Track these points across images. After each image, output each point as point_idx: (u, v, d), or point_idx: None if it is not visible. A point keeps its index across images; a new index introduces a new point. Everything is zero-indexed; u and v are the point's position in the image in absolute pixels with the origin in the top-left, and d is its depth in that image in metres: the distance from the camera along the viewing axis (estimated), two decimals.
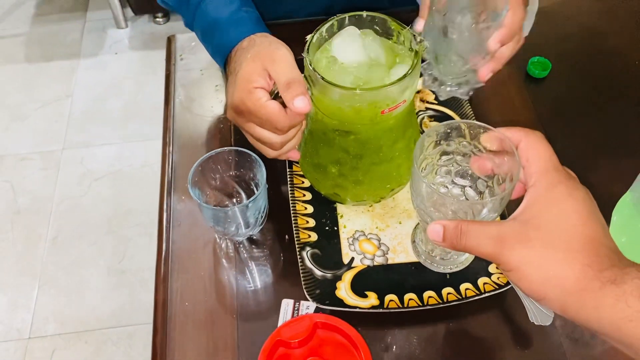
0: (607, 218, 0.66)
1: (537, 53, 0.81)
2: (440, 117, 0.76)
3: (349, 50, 0.55)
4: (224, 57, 0.63)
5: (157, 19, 2.26)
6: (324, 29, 0.56)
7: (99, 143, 1.89)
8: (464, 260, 0.62)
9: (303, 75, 0.55)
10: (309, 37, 0.55)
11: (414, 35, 0.53)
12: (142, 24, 2.27)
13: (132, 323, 1.49)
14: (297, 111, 0.52)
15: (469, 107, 0.75)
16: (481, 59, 0.59)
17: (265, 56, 0.55)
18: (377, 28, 0.57)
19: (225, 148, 0.63)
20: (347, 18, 0.57)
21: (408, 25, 0.54)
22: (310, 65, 0.52)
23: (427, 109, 0.77)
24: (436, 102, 0.77)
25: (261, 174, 0.62)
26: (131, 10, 2.19)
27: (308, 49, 0.54)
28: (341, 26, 0.57)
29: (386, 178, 0.61)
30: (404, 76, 0.51)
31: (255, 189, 0.66)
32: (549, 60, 0.81)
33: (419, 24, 0.58)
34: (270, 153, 0.61)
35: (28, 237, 1.66)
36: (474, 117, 0.74)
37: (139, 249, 1.63)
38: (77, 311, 1.51)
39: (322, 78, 0.51)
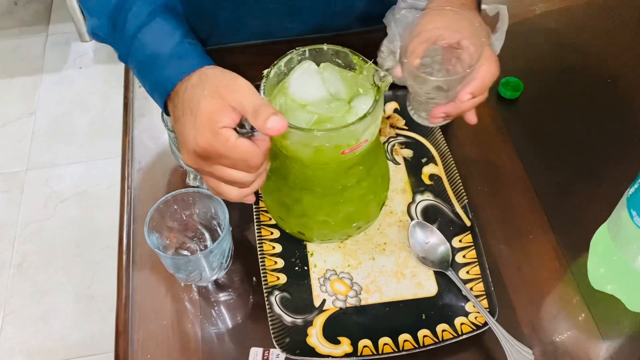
0: (585, 246, 0.64)
1: (508, 73, 0.79)
2: (411, 144, 0.73)
3: (307, 86, 0.51)
4: (165, 94, 0.56)
5: None
6: (282, 63, 0.52)
7: (65, 162, 1.82)
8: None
9: None
10: (265, 72, 0.52)
11: (377, 70, 0.50)
12: None
13: (102, 351, 1.43)
14: (273, 132, 0.47)
15: (440, 132, 0.72)
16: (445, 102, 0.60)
17: (224, 90, 0.49)
18: (339, 61, 0.54)
19: (183, 190, 0.59)
20: (307, 51, 0.53)
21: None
22: None
23: (398, 135, 0.74)
24: (406, 127, 0.74)
25: (224, 213, 0.58)
26: None
27: (265, 86, 0.51)
28: (300, 60, 0.53)
29: (353, 216, 0.58)
30: (364, 116, 0.47)
31: (218, 228, 0.62)
32: (520, 80, 0.79)
33: (398, 71, 0.59)
34: (235, 195, 0.55)
35: None
36: (445, 143, 0.71)
37: (109, 273, 1.57)
38: (45, 341, 1.45)
39: None
